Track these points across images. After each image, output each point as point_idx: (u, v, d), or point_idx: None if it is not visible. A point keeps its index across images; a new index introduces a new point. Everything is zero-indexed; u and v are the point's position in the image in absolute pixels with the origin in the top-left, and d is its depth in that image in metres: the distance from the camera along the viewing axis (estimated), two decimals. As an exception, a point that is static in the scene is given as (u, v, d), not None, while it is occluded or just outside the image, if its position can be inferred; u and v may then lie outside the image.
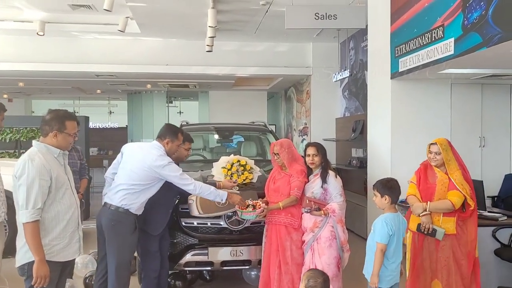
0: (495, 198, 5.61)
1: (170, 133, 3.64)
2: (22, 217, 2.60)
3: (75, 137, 2.89)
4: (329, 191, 3.72)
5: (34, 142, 2.79)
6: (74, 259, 2.93)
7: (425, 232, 3.50)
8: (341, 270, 3.72)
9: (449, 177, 3.51)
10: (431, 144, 3.61)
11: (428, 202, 3.51)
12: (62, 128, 2.75)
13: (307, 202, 3.71)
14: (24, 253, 2.69)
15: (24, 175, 2.62)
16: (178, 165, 3.95)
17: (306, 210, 3.66)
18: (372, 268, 3.09)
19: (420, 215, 3.51)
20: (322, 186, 3.74)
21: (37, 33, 6.97)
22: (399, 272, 3.20)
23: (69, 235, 2.79)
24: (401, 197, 3.47)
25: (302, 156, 3.98)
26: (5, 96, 13.23)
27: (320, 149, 3.86)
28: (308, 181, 3.85)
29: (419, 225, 3.52)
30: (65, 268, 2.91)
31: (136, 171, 3.43)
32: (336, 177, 3.80)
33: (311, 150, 3.86)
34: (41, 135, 2.81)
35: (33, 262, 2.63)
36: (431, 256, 3.55)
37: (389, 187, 3.17)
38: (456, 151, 3.61)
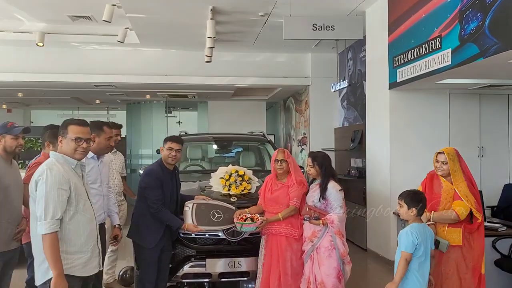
0: (495, 208, 5.60)
1: (94, 129, 3.49)
2: (41, 228, 2.46)
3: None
4: (330, 202, 3.66)
5: (51, 153, 2.72)
6: (95, 274, 2.77)
7: None
8: (343, 282, 3.63)
9: (454, 188, 3.40)
10: (439, 153, 3.49)
11: (433, 212, 3.42)
12: (64, 133, 2.68)
13: (307, 210, 3.69)
14: (46, 270, 2.50)
15: (43, 185, 2.50)
16: (99, 157, 3.65)
17: (305, 218, 3.64)
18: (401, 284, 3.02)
19: None
20: (319, 200, 3.69)
21: (36, 44, 6.98)
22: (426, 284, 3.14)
23: (91, 249, 2.68)
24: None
25: (301, 167, 3.95)
26: (4, 106, 13.22)
27: (317, 160, 3.77)
28: (309, 190, 3.83)
29: None
30: (87, 284, 2.76)
31: None
32: (339, 190, 3.69)
33: (308, 161, 3.84)
34: (55, 148, 2.73)
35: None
36: (436, 269, 3.41)
37: (418, 200, 3.16)
38: (465, 162, 3.49)
